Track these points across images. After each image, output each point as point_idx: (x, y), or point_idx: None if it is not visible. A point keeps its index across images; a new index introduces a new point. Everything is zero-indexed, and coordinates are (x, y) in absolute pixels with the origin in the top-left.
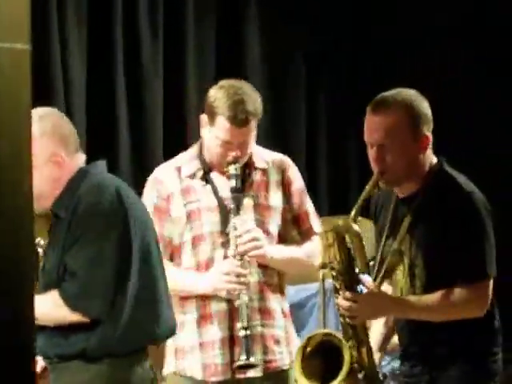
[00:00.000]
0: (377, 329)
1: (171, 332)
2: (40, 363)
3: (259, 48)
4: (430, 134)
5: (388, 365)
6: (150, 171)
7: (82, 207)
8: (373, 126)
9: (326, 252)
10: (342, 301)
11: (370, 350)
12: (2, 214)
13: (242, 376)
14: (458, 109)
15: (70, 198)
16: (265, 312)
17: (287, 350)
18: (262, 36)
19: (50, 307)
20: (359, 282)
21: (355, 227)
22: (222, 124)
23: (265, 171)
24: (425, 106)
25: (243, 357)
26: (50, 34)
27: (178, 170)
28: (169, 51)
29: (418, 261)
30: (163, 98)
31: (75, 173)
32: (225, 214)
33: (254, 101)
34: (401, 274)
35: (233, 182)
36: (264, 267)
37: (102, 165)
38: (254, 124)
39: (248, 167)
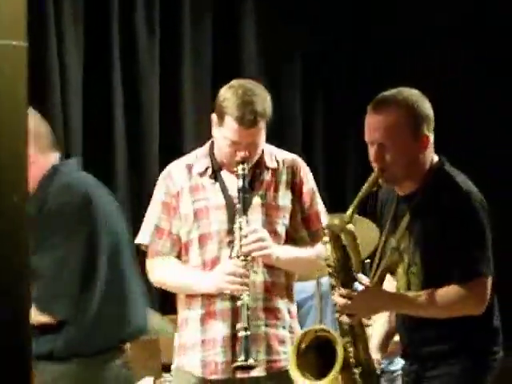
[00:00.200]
0: (378, 328)
1: (142, 331)
2: None
3: (256, 46)
4: (430, 134)
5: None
6: (146, 168)
7: (49, 207)
8: (373, 125)
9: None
10: (338, 298)
11: (366, 345)
12: (2, 214)
13: (245, 375)
14: (458, 109)
15: (40, 196)
16: (270, 312)
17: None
18: (259, 34)
19: None
20: (355, 279)
21: (350, 226)
22: (231, 124)
23: (275, 171)
24: (426, 106)
25: (241, 357)
26: (47, 30)
27: (189, 167)
28: (165, 49)
29: (416, 259)
30: (159, 95)
31: (47, 171)
32: (232, 213)
33: (263, 102)
34: (401, 271)
35: (240, 182)
36: (271, 267)
37: (73, 163)
38: (262, 125)
39: (258, 166)
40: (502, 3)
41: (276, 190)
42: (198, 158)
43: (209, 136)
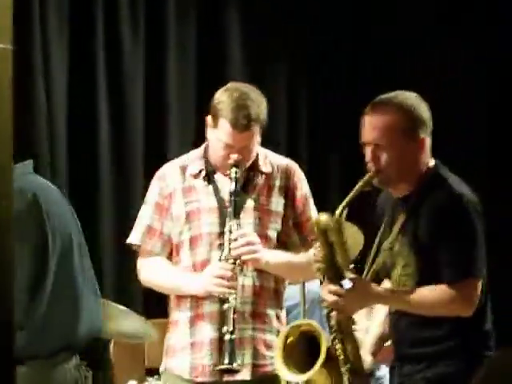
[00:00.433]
0: (373, 330)
1: (95, 333)
2: None
3: (241, 44)
4: (427, 137)
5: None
6: (130, 169)
7: None
8: (369, 126)
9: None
10: (327, 294)
11: (355, 343)
12: None
13: (230, 379)
14: (458, 109)
15: None
16: (257, 316)
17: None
18: (244, 32)
19: None
20: (342, 275)
21: (338, 224)
22: (224, 127)
23: (269, 175)
24: (423, 110)
25: (226, 361)
26: (32, 33)
27: (183, 168)
28: (150, 48)
29: (410, 260)
30: (144, 94)
31: None
32: (224, 216)
33: (258, 106)
34: (396, 273)
35: (232, 186)
36: (260, 271)
37: (23, 167)
38: (256, 129)
39: (252, 170)
40: (502, 3)
41: (269, 194)
42: (192, 159)
43: (194, 136)
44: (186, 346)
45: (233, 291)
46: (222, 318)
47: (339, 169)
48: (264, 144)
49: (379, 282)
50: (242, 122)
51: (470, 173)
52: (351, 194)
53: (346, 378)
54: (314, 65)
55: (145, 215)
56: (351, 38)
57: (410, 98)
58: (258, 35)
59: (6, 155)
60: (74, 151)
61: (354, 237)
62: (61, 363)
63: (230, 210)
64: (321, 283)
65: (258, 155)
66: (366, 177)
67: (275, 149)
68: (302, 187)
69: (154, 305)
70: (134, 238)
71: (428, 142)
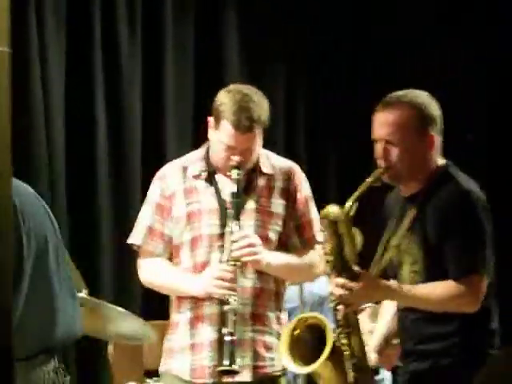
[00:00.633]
0: (381, 328)
1: (71, 335)
2: None
3: (239, 45)
4: (437, 136)
5: None
6: (128, 171)
7: None
8: (380, 122)
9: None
10: (334, 287)
11: (360, 338)
12: None
13: (230, 380)
14: (458, 109)
15: None
16: (257, 318)
17: (279, 357)
18: (243, 33)
19: None
20: (350, 268)
21: (347, 217)
22: (226, 129)
23: (270, 177)
24: (434, 108)
25: (226, 362)
26: (29, 36)
27: (184, 169)
28: (147, 50)
29: (418, 258)
30: (141, 97)
31: None
32: (225, 217)
33: (260, 108)
34: (404, 271)
35: (234, 187)
36: (261, 273)
37: None
38: (258, 131)
39: (254, 171)
40: (502, 3)
41: (270, 195)
42: (193, 160)
43: (192, 138)
44: (185, 347)
45: (233, 293)
46: (222, 320)
47: (338, 169)
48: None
49: (386, 279)
50: (244, 123)
51: (469, 173)
52: (360, 189)
53: (350, 374)
54: (313, 65)
55: (145, 216)
56: (351, 38)
57: (421, 95)
58: (256, 36)
59: (4, 158)
60: (71, 154)
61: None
62: (39, 365)
63: (230, 211)
64: (328, 276)
65: (259, 157)
66: (376, 172)
67: (272, 148)
68: (303, 189)
69: (153, 306)
70: (134, 239)
71: (438, 140)
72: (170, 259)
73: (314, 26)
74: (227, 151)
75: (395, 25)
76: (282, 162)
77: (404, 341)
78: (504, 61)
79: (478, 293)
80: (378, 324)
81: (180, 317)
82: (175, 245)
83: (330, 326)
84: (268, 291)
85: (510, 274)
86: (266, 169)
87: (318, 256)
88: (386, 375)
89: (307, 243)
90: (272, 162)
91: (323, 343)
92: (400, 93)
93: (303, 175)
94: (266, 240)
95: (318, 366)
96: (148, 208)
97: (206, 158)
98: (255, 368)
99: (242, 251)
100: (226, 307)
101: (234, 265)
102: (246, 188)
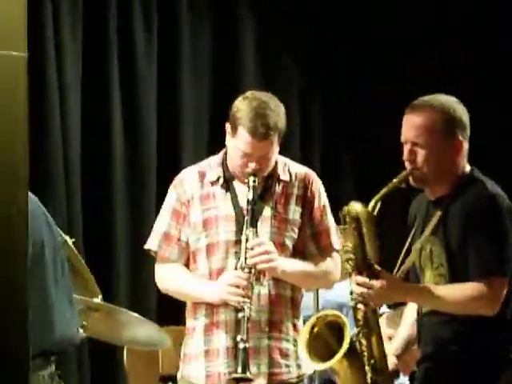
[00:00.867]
0: (402, 331)
1: (67, 343)
2: None
3: (254, 48)
4: (464, 141)
5: None
6: (144, 179)
7: None
8: (408, 125)
9: (342, 234)
10: (355, 286)
11: (380, 339)
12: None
13: None
14: None
15: None
16: (273, 325)
17: (295, 364)
18: (258, 35)
19: None
20: (371, 267)
21: (370, 215)
22: (243, 136)
23: (287, 184)
24: (463, 113)
25: (239, 369)
26: (45, 40)
27: (202, 175)
28: (163, 56)
29: (443, 260)
30: (157, 104)
31: None
32: (241, 224)
33: (277, 115)
34: (429, 273)
35: (250, 194)
36: (277, 280)
37: None
38: (275, 138)
39: (271, 178)
40: (503, 3)
41: (286, 202)
42: (210, 166)
43: (207, 144)
44: (200, 353)
45: (247, 300)
46: (236, 327)
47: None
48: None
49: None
50: (261, 130)
51: None
52: (385, 190)
53: (368, 376)
54: (313, 65)
55: (162, 221)
56: (351, 38)
57: (450, 100)
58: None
59: (21, 165)
60: (87, 159)
61: None
62: (35, 370)
63: (247, 218)
64: (349, 274)
65: (276, 163)
66: (402, 174)
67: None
68: (320, 196)
69: (168, 312)
70: (151, 245)
71: (465, 145)
72: (187, 265)
73: (314, 26)
74: (244, 158)
75: (395, 25)
76: (298, 169)
77: (424, 344)
78: (504, 61)
79: (498, 295)
80: (400, 328)
81: (195, 323)
82: (192, 251)
83: (348, 324)
84: (284, 298)
85: None
86: (283, 175)
87: (334, 263)
88: (403, 380)
89: (324, 250)
90: (289, 168)
91: (342, 341)
92: (429, 96)
93: (320, 182)
94: (281, 247)
95: (335, 363)
96: (165, 214)
97: (223, 164)
98: (271, 375)
99: (257, 258)
100: (240, 314)
101: (250, 272)
102: (263, 195)
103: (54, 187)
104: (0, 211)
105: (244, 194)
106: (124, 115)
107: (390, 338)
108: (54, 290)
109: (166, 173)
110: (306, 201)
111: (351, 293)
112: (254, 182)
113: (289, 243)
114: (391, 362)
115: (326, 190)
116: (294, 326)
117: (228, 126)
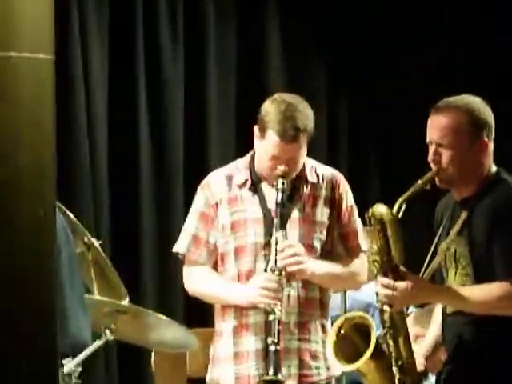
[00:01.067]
0: (432, 331)
1: (78, 347)
2: None
3: (281, 48)
4: (490, 141)
5: None
6: (171, 180)
7: None
8: (433, 125)
9: (368, 235)
10: (380, 287)
11: (408, 340)
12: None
13: None
14: None
15: None
16: (303, 326)
17: (325, 365)
18: (283, 38)
19: None
20: (396, 269)
21: (395, 217)
22: (272, 138)
23: (315, 186)
24: (488, 114)
25: (270, 372)
26: (72, 43)
27: (229, 178)
28: (190, 57)
29: (468, 261)
30: (184, 105)
31: None
32: (270, 227)
33: (305, 117)
34: (454, 274)
35: (278, 197)
36: (305, 282)
37: None
38: (303, 140)
39: (298, 180)
40: (499, 0)
41: (314, 204)
42: (238, 169)
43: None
44: (229, 356)
45: (278, 302)
46: (267, 329)
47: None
48: None
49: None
50: (290, 133)
51: None
52: (410, 191)
53: (396, 377)
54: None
55: (190, 224)
56: (347, 35)
57: (475, 101)
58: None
59: (48, 168)
60: (114, 162)
61: None
62: None
63: (276, 220)
64: (374, 276)
65: (304, 165)
66: (428, 175)
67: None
68: (348, 198)
69: (196, 314)
70: (179, 247)
71: (491, 146)
72: (215, 268)
73: (310, 22)
74: (272, 161)
75: (392, 21)
76: (325, 170)
77: (449, 345)
78: (500, 58)
79: None
80: (429, 328)
81: (224, 325)
82: (220, 253)
83: (374, 325)
84: (313, 299)
85: None
86: (310, 177)
87: (362, 264)
88: (433, 380)
89: (352, 251)
90: (317, 170)
91: (368, 343)
92: (454, 97)
93: (347, 184)
94: (310, 249)
95: (361, 365)
96: (193, 217)
97: (251, 166)
98: (301, 377)
99: (287, 260)
100: (270, 317)
101: (280, 274)
102: (291, 197)
103: (80, 190)
104: (28, 213)
105: (271, 196)
106: (150, 117)
107: (417, 337)
108: (69, 294)
109: (193, 176)
110: (334, 202)
111: (377, 294)
112: (283, 184)
113: (317, 245)
114: (420, 362)
115: (353, 191)
116: (323, 327)
117: (256, 129)
